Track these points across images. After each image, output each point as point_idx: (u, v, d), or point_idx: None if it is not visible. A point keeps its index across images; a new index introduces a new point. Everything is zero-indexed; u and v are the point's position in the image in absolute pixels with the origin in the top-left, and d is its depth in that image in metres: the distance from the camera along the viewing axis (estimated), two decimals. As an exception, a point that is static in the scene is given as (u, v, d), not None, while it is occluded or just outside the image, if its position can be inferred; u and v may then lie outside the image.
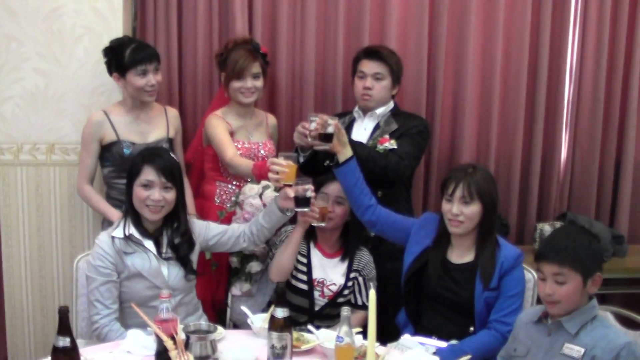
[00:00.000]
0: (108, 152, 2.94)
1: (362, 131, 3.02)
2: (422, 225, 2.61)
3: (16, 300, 3.22)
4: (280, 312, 2.08)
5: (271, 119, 3.22)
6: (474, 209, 2.42)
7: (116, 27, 3.09)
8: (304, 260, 2.77)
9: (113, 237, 2.47)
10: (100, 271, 2.44)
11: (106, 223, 2.93)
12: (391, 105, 3.05)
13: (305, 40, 3.37)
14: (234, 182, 3.04)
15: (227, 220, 2.95)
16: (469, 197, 2.42)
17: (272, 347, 2.06)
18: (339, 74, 3.38)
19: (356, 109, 3.07)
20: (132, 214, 2.51)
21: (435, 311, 2.49)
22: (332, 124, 2.58)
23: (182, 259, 2.53)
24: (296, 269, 2.76)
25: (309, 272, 2.76)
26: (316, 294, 2.75)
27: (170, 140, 3.04)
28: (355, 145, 2.76)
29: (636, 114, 3.53)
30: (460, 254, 2.50)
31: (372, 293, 1.86)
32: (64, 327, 1.89)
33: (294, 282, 2.76)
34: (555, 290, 2.04)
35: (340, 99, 3.41)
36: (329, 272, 2.78)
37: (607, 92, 3.53)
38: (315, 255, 2.79)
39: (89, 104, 3.13)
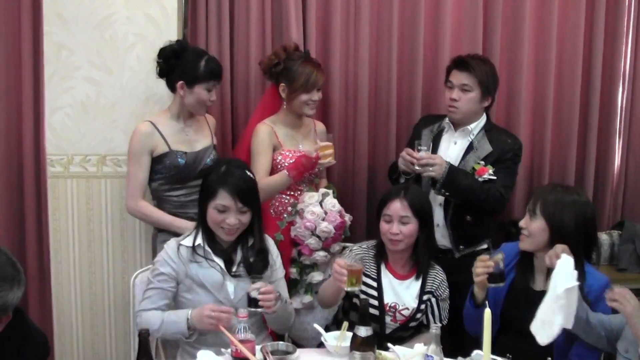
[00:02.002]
0: (160, 164, 2.84)
1: (452, 145, 2.95)
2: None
3: (65, 317, 3.12)
4: (364, 331, 2.08)
5: (319, 126, 3.18)
6: (537, 225, 2.32)
7: (169, 34, 3.00)
8: (374, 284, 2.61)
9: (180, 245, 2.43)
10: (159, 275, 2.41)
11: (158, 238, 2.84)
12: (483, 120, 2.95)
13: (359, 51, 3.31)
14: (289, 192, 2.99)
15: (287, 230, 2.93)
16: (532, 212, 2.35)
17: (355, 366, 2.02)
18: (393, 84, 3.33)
19: (447, 120, 2.99)
20: (205, 230, 2.44)
21: (514, 332, 2.37)
22: (500, 260, 2.28)
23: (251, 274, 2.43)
24: (365, 293, 2.59)
25: (380, 297, 2.60)
26: (387, 318, 2.60)
27: (215, 147, 2.98)
28: (458, 173, 2.75)
29: (691, 120, 3.52)
30: (543, 280, 2.36)
31: (488, 312, 1.81)
32: (144, 351, 1.90)
33: None
34: None
35: (394, 109, 3.34)
36: (402, 295, 2.61)
37: (662, 98, 3.52)
38: (386, 278, 2.62)
39: (142, 114, 3.03)
